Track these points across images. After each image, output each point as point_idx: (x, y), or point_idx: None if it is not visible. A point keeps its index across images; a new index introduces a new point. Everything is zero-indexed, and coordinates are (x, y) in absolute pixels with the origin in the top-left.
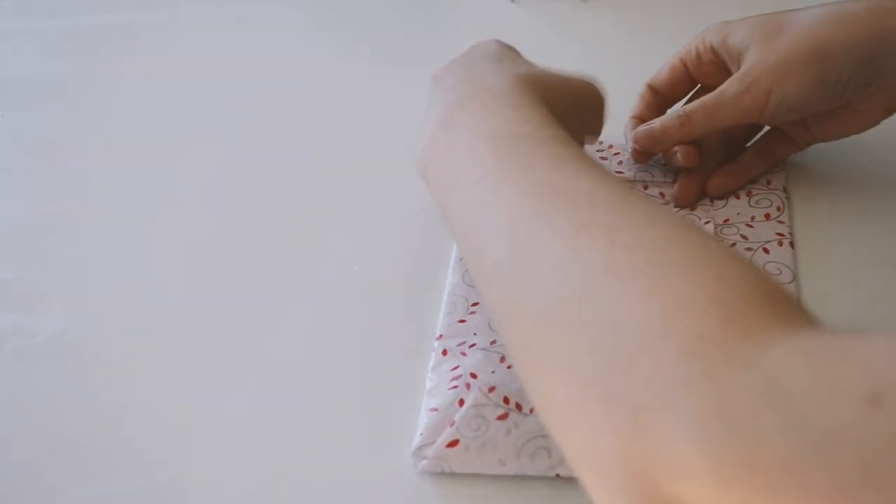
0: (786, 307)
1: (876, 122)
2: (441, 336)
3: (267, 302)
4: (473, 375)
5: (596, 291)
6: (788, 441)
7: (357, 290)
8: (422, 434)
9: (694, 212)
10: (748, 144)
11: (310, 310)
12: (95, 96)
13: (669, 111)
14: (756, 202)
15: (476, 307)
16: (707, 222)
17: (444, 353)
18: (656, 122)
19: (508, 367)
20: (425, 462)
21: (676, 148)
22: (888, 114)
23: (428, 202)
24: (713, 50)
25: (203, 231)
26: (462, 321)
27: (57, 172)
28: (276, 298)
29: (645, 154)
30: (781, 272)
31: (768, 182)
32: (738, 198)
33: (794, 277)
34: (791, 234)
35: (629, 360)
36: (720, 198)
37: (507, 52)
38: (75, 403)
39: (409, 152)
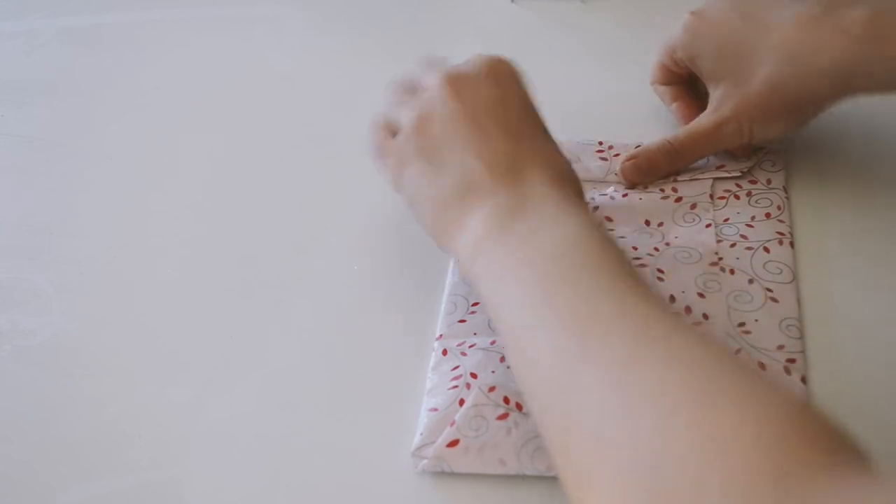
0: (831, 445)
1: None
2: (441, 336)
3: (267, 302)
4: (473, 375)
5: (642, 424)
6: None
7: (357, 290)
8: (422, 434)
9: (694, 210)
10: None
11: (310, 310)
12: (95, 96)
13: (651, 142)
14: (756, 201)
15: (476, 307)
16: (708, 225)
17: (444, 353)
18: (642, 155)
19: (508, 367)
20: (425, 462)
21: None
22: None
23: None
24: (683, 64)
25: (203, 231)
26: (462, 321)
27: (56, 172)
28: (275, 298)
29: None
30: (782, 271)
31: (768, 181)
32: (737, 198)
33: (794, 277)
34: (791, 233)
35: (668, 496)
36: (721, 197)
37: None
38: (75, 403)
39: None
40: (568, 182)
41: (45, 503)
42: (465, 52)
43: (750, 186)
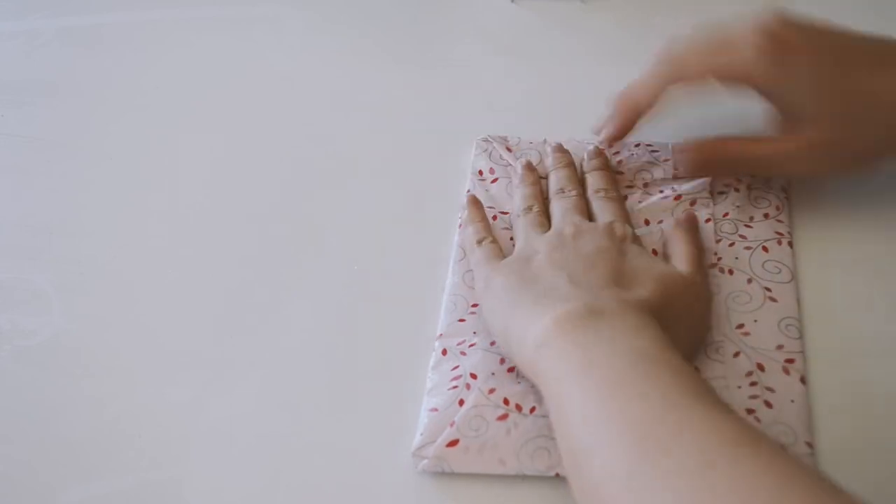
0: None
1: None
2: (441, 335)
3: (267, 302)
4: (473, 376)
5: None
6: None
7: (357, 290)
8: (422, 434)
9: (693, 206)
10: None
11: (310, 310)
12: (95, 96)
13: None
14: (755, 199)
15: (476, 307)
16: (707, 220)
17: (444, 352)
18: (692, 156)
19: (509, 371)
20: (425, 462)
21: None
22: None
23: (428, 203)
24: (751, 84)
25: (203, 232)
26: (462, 320)
27: (56, 172)
28: (275, 298)
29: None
30: (780, 271)
31: (767, 180)
32: (737, 190)
33: (793, 276)
34: (790, 233)
35: None
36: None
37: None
38: (75, 403)
39: (408, 151)
40: (648, 312)
41: (45, 503)
42: (465, 52)
43: (749, 180)
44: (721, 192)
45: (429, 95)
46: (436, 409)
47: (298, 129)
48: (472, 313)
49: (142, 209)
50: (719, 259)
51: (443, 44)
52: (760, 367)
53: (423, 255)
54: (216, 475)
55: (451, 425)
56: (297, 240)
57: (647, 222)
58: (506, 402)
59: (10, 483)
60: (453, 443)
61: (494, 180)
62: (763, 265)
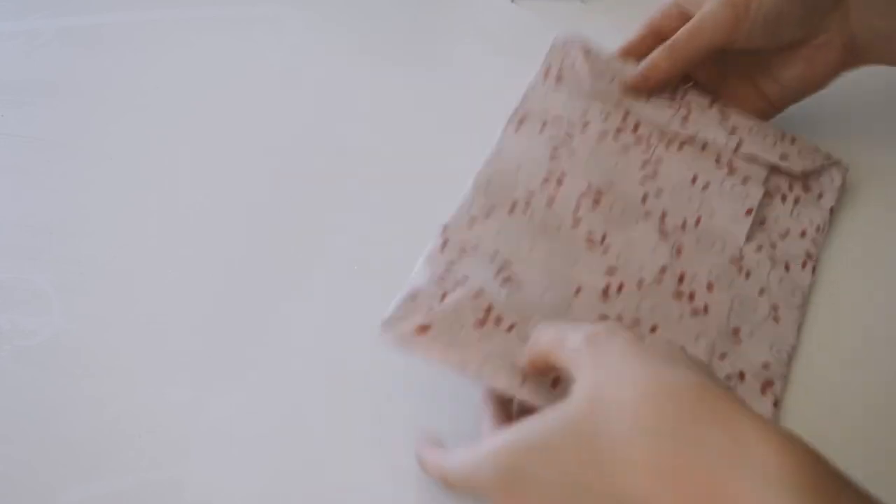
0: None
1: (834, 70)
2: (447, 227)
3: (267, 302)
4: (465, 276)
5: None
6: None
7: (357, 291)
8: (397, 306)
9: (745, 185)
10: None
11: (310, 310)
12: (95, 96)
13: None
14: (798, 214)
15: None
16: (749, 210)
17: (444, 244)
18: (644, 61)
19: (505, 281)
20: (391, 336)
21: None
22: (844, 61)
23: (428, 203)
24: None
25: (203, 231)
26: (473, 219)
27: (56, 172)
28: (276, 298)
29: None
30: (794, 294)
31: (820, 195)
32: (784, 199)
33: (804, 302)
34: (817, 257)
35: None
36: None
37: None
38: (75, 403)
39: (408, 151)
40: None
41: (45, 503)
42: (465, 52)
43: (801, 192)
44: (768, 195)
45: (429, 95)
46: (417, 290)
47: (298, 129)
48: (479, 226)
49: (142, 209)
50: (742, 258)
51: (443, 44)
52: (741, 377)
53: (422, 255)
54: (216, 475)
55: (429, 310)
56: (297, 240)
57: (694, 180)
58: (488, 310)
59: (10, 483)
60: (424, 328)
61: (558, 83)
62: (780, 281)
